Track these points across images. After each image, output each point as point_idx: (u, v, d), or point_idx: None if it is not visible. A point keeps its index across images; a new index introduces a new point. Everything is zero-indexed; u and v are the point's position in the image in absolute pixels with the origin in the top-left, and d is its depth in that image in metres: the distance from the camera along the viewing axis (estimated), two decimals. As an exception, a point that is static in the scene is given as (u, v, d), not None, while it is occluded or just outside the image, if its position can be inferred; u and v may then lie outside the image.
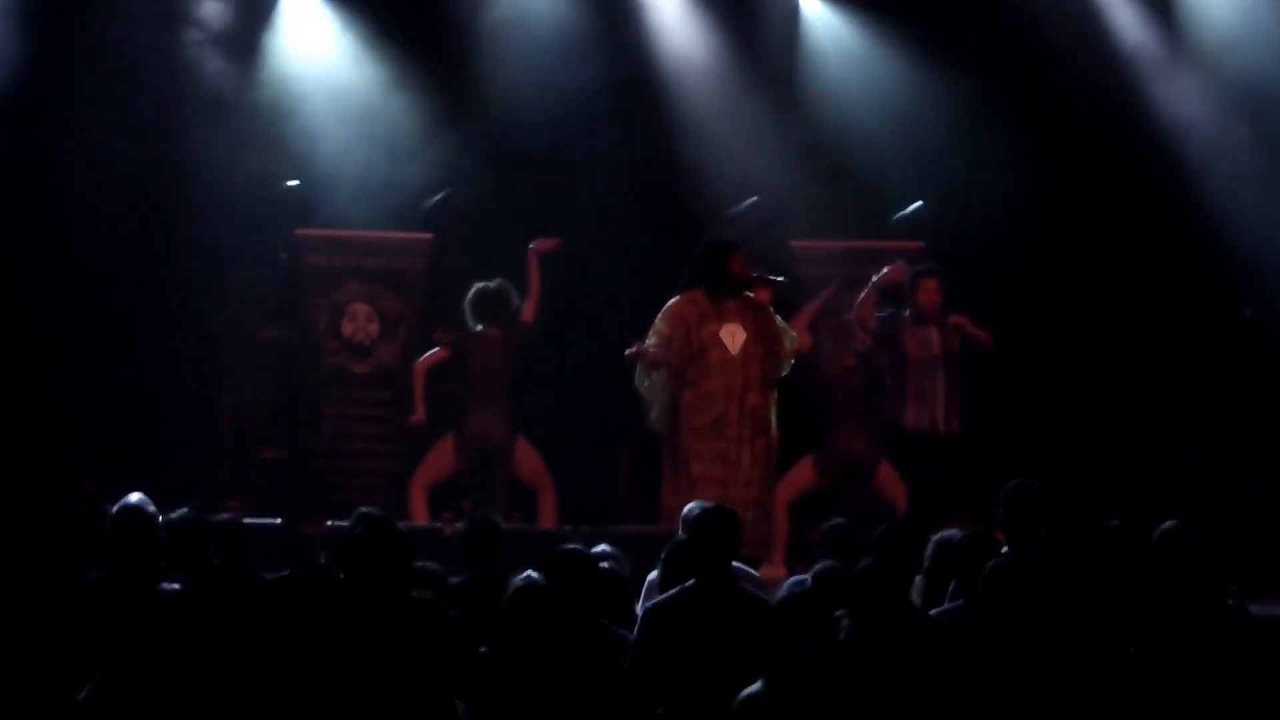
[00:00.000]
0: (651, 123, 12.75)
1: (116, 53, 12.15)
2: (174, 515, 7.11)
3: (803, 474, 11.36)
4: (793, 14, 13.11)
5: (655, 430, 10.42)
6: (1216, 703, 5.76)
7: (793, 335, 10.56)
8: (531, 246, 11.34)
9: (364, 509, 7.07)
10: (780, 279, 10.71)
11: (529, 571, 6.29)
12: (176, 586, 6.57)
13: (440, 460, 11.32)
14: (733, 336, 10.23)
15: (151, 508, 7.09)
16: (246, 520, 8.85)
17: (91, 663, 5.77)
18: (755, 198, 12.15)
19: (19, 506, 8.57)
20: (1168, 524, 6.72)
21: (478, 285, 11.29)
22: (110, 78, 12.11)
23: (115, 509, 6.97)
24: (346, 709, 5.42)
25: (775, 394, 10.41)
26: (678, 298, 10.33)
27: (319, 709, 5.51)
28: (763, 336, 10.26)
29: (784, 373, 10.48)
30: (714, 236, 10.68)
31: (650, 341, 10.30)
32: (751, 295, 10.35)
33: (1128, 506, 10.31)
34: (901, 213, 12.42)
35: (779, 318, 10.49)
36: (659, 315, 10.34)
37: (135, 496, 7.12)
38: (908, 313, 11.06)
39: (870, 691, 5.54)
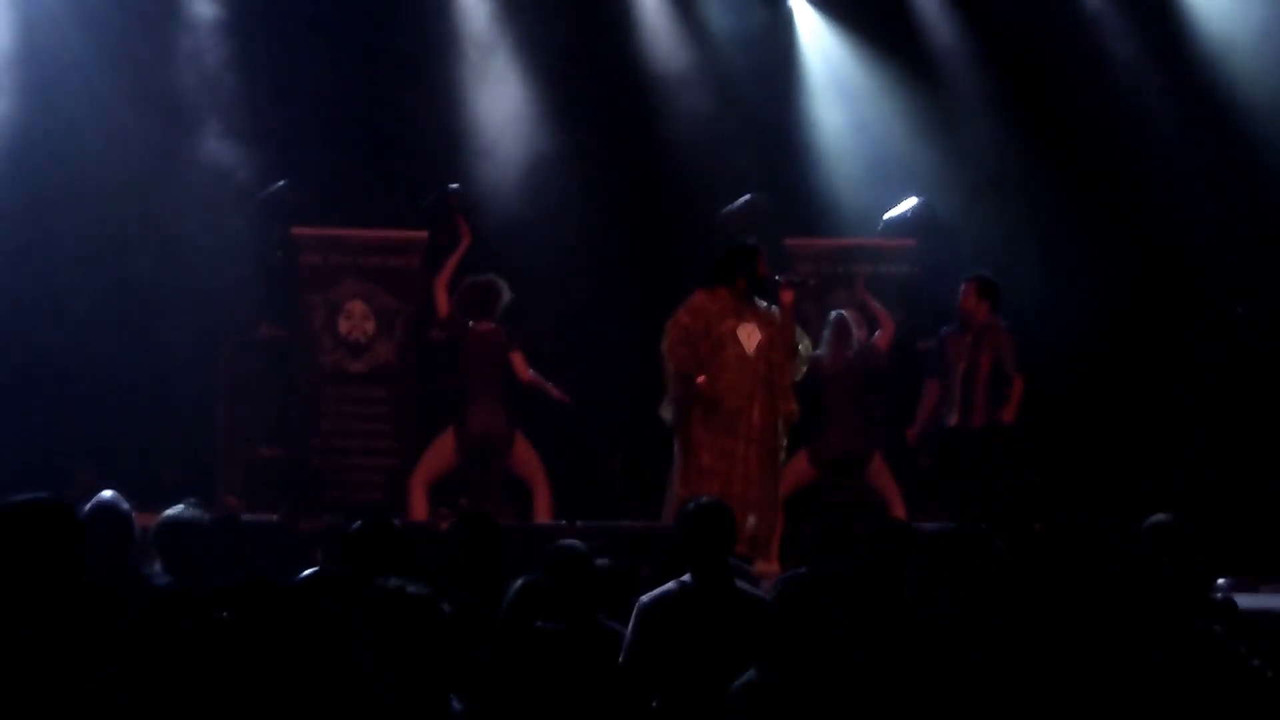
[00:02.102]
0: (648, 121, 12.79)
1: (113, 46, 12.20)
2: (171, 512, 7.12)
3: (798, 468, 11.40)
4: (785, 17, 13.19)
5: (665, 420, 10.43)
6: (1203, 697, 5.79)
7: (807, 342, 10.58)
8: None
9: (361, 505, 7.12)
10: (807, 281, 10.70)
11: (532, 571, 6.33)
12: (166, 580, 6.61)
13: (440, 456, 11.34)
14: (749, 336, 10.23)
15: (125, 505, 7.10)
16: (244, 517, 8.89)
17: (84, 663, 5.80)
18: (749, 196, 12.19)
19: (16, 505, 8.56)
20: (1155, 518, 6.75)
21: (467, 279, 11.32)
22: (108, 73, 12.16)
23: (88, 506, 6.99)
24: (343, 705, 5.46)
25: (789, 397, 10.42)
26: (699, 291, 10.34)
27: (315, 706, 5.55)
28: (781, 340, 10.27)
29: (797, 378, 10.52)
30: (739, 238, 10.65)
31: (666, 338, 10.32)
32: (767, 303, 10.35)
33: (1128, 505, 10.35)
34: (893, 210, 12.46)
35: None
36: (681, 307, 10.34)
37: (108, 494, 7.13)
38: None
39: (863, 684, 5.58)
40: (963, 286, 11.22)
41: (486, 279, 11.27)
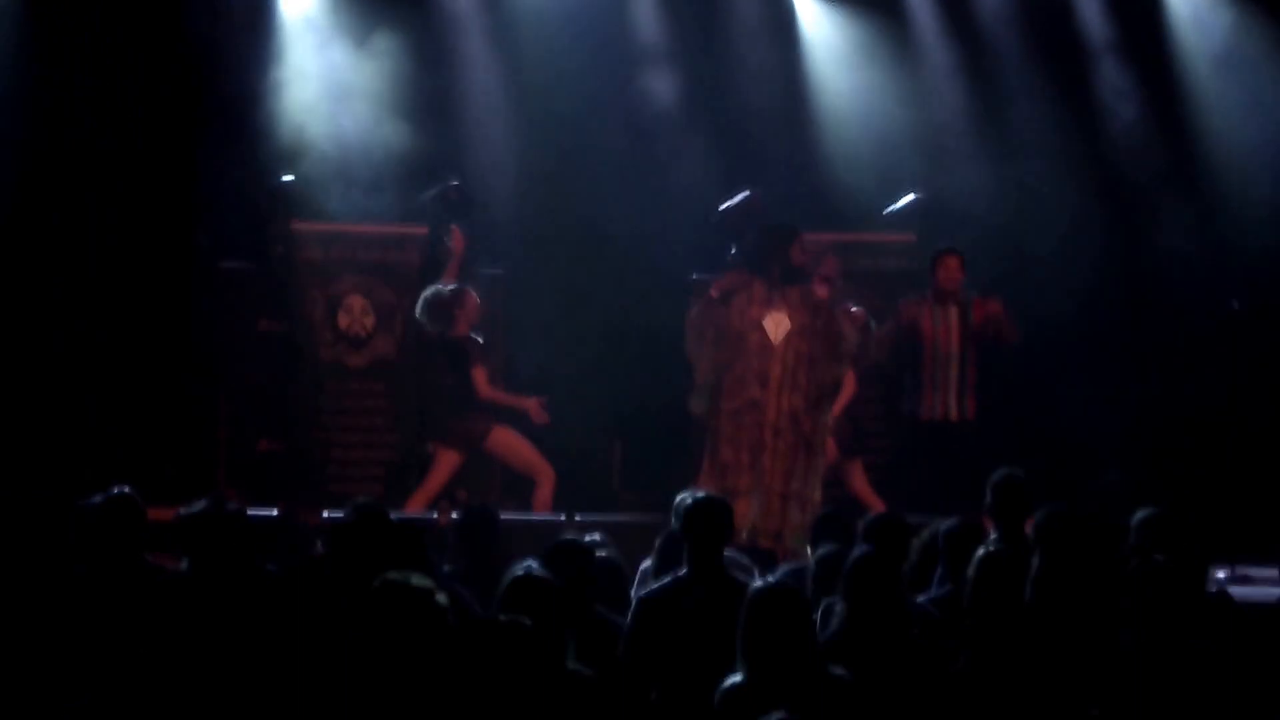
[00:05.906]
0: (644, 118, 12.81)
1: (112, 46, 12.22)
2: (192, 508, 7.07)
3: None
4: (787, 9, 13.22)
5: (694, 413, 10.27)
6: (1198, 689, 5.82)
7: (854, 341, 10.24)
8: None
9: (359, 499, 7.14)
10: (835, 280, 10.50)
11: (529, 561, 6.35)
12: (180, 570, 6.63)
13: (440, 472, 11.25)
14: (777, 325, 9.95)
15: (139, 498, 7.11)
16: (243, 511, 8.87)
17: (88, 658, 5.82)
18: (748, 190, 12.20)
19: (15, 503, 8.61)
20: (1145, 511, 6.77)
21: (434, 288, 11.29)
22: (107, 72, 12.18)
23: (103, 500, 6.99)
24: (342, 699, 5.48)
25: (829, 394, 10.11)
26: (732, 273, 10.16)
27: (314, 698, 5.57)
28: (814, 333, 9.97)
29: (839, 375, 10.21)
30: (775, 223, 10.40)
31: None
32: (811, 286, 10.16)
33: (1119, 497, 10.37)
34: (894, 205, 12.47)
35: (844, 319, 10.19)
36: (701, 299, 10.18)
37: (121, 487, 7.13)
38: (929, 293, 11.10)
39: (858, 678, 5.60)
40: (944, 260, 11.08)
41: (450, 290, 11.24)
